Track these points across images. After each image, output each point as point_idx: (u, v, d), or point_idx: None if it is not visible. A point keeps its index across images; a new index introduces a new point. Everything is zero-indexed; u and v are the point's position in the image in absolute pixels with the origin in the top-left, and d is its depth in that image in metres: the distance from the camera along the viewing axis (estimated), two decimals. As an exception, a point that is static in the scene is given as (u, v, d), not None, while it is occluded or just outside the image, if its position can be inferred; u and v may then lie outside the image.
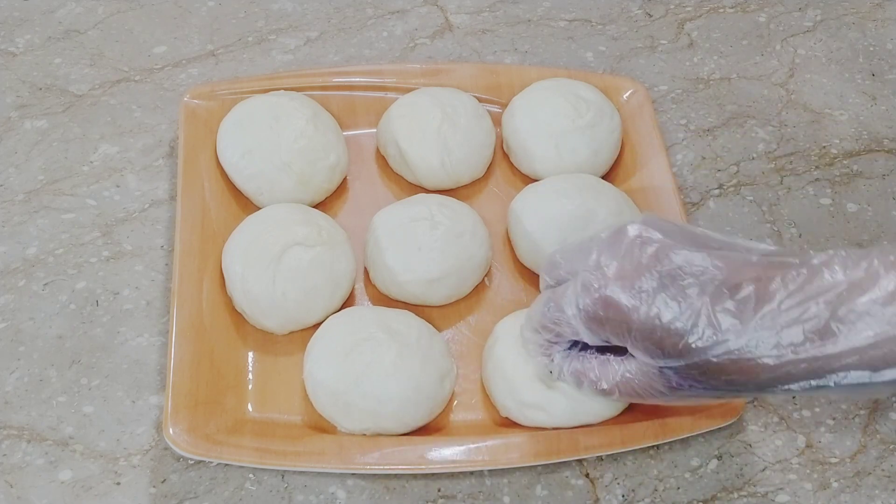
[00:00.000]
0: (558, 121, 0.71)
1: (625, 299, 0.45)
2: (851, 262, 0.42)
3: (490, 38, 0.86)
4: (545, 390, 0.58)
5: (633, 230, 0.46)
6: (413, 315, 0.62)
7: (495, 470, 0.59)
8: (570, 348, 0.52)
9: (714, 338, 0.43)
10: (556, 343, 0.52)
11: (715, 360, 0.43)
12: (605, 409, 0.60)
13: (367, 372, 0.58)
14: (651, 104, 0.76)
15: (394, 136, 0.71)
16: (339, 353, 0.59)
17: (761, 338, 0.42)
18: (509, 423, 0.61)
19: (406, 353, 0.59)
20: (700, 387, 0.45)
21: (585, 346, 0.51)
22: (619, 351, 0.49)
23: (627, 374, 0.48)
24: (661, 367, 0.46)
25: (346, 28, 0.86)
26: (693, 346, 0.43)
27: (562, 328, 0.49)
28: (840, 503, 0.59)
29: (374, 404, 0.58)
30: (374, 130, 0.75)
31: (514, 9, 0.89)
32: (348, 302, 0.66)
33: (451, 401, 0.62)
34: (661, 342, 0.44)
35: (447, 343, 0.63)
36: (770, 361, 0.42)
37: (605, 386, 0.50)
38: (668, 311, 0.43)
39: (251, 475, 0.58)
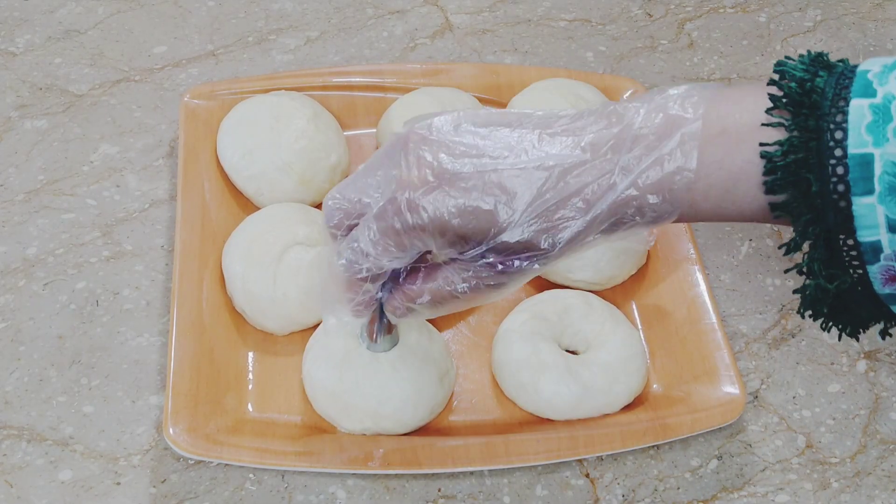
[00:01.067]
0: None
1: (425, 201, 0.43)
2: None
3: (490, 38, 0.86)
4: (550, 380, 0.59)
5: (410, 136, 0.44)
6: None
7: (495, 470, 0.59)
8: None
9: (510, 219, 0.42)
10: (367, 302, 0.50)
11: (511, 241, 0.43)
12: (607, 403, 0.60)
13: (366, 372, 0.58)
14: (651, 104, 0.76)
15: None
16: (338, 354, 0.59)
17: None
18: (509, 424, 0.61)
19: (406, 353, 0.59)
20: (494, 270, 0.44)
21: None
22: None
23: (431, 282, 0.47)
24: (460, 259, 0.45)
25: (346, 28, 0.86)
26: (498, 229, 0.43)
27: (368, 262, 0.46)
28: (840, 503, 0.59)
29: (373, 404, 0.58)
30: (374, 130, 0.75)
31: (514, 9, 0.89)
32: (348, 302, 0.66)
33: (450, 401, 0.62)
34: (466, 234, 0.43)
35: (447, 343, 0.63)
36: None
37: (419, 298, 0.48)
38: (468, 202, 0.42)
39: (251, 475, 0.58)
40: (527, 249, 0.43)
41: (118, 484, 0.57)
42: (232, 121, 0.70)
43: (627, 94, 0.77)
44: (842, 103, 0.38)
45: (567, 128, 0.43)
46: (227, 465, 0.58)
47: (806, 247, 0.41)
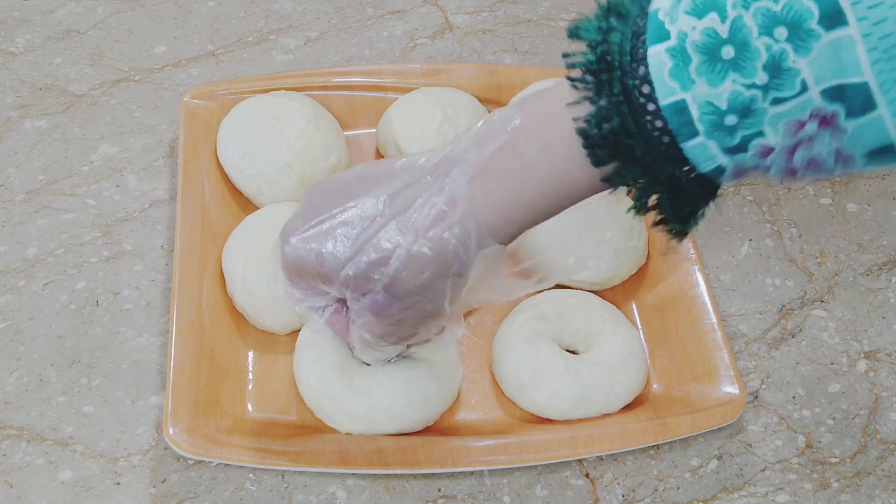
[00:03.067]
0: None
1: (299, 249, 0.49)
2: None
3: (490, 38, 0.86)
4: (550, 380, 0.59)
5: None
6: None
7: (495, 470, 0.59)
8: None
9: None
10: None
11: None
12: (607, 403, 0.60)
13: (363, 373, 0.58)
14: (651, 104, 0.76)
15: (394, 136, 0.71)
16: (335, 357, 0.59)
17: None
18: (509, 424, 0.61)
19: (409, 357, 0.59)
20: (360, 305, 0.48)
21: None
22: None
23: (353, 324, 0.51)
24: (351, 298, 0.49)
25: (346, 28, 0.86)
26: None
27: (299, 302, 0.52)
28: (840, 503, 0.59)
29: (374, 407, 0.58)
30: (374, 130, 0.75)
31: (514, 9, 0.89)
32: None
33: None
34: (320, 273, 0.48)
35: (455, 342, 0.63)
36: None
37: (358, 340, 0.52)
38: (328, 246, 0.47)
39: (251, 475, 0.58)
40: (369, 285, 0.47)
41: (118, 484, 0.57)
42: (232, 121, 0.70)
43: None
44: (640, 53, 0.37)
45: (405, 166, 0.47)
46: (227, 465, 0.58)
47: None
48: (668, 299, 0.67)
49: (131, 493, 0.57)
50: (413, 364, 0.59)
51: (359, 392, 0.58)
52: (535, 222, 0.45)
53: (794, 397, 0.64)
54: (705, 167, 0.38)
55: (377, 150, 0.75)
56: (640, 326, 0.67)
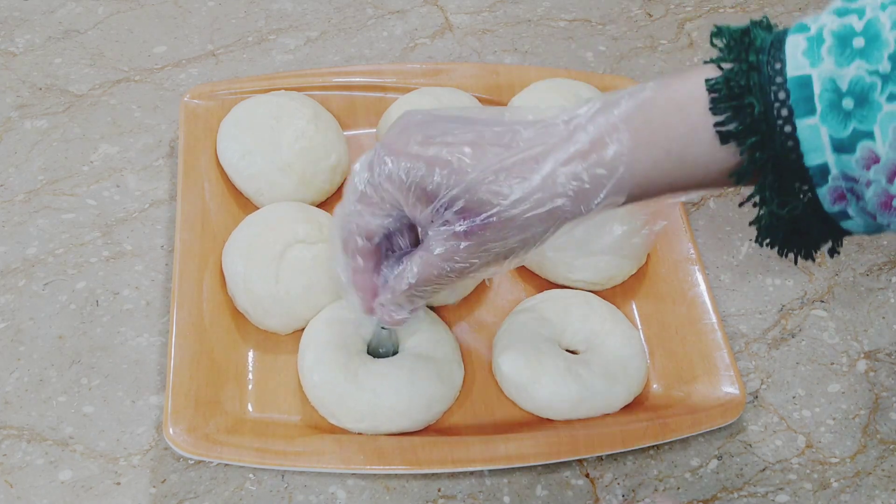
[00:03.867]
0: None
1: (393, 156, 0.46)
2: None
3: (490, 38, 0.86)
4: (550, 380, 0.59)
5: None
6: (427, 310, 0.63)
7: (495, 470, 0.59)
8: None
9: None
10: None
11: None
12: (607, 403, 0.60)
13: (367, 371, 0.58)
14: (651, 104, 0.76)
15: (394, 136, 0.71)
16: (339, 355, 0.59)
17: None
18: (509, 424, 0.61)
19: (409, 353, 0.59)
20: (462, 236, 0.46)
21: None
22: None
23: (421, 257, 0.48)
24: (430, 229, 0.47)
25: (346, 28, 0.86)
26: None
27: (357, 220, 0.50)
28: (840, 503, 0.59)
29: (376, 405, 0.58)
30: (374, 130, 0.75)
31: (514, 9, 0.89)
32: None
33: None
34: (426, 187, 0.45)
35: (457, 343, 0.63)
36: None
37: (412, 277, 0.49)
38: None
39: (251, 475, 0.58)
40: (482, 208, 0.44)
41: (118, 484, 0.57)
42: (232, 121, 0.70)
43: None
44: (779, 44, 0.40)
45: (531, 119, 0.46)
46: (227, 465, 0.58)
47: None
48: (668, 299, 0.67)
49: (131, 493, 0.57)
50: (417, 363, 0.59)
51: (363, 390, 0.58)
52: (664, 188, 0.44)
53: (794, 397, 0.64)
54: (811, 159, 0.39)
55: (377, 150, 0.75)
56: (640, 326, 0.67)
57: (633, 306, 0.68)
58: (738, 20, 0.89)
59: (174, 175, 0.73)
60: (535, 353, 0.61)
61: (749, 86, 0.40)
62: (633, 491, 0.59)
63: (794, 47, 0.39)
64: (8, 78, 0.79)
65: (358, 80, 0.76)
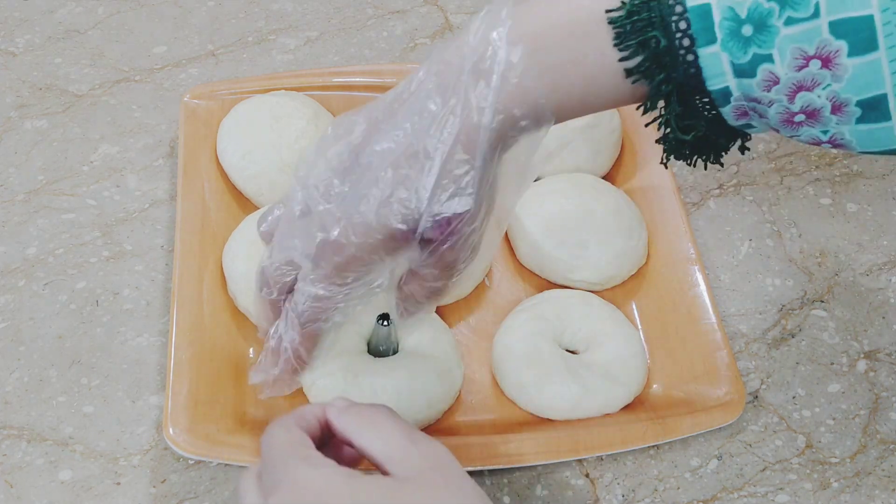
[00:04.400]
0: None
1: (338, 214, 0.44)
2: None
3: (490, 38, 0.86)
4: (550, 380, 0.59)
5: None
6: None
7: (495, 470, 0.59)
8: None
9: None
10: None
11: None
12: (607, 403, 0.60)
13: (367, 370, 0.58)
14: (651, 104, 0.76)
15: (394, 136, 0.71)
16: (339, 356, 0.59)
17: None
18: (509, 424, 0.61)
19: (408, 353, 0.59)
20: (440, 253, 0.44)
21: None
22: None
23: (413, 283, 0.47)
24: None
25: (346, 28, 0.86)
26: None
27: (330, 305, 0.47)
28: (840, 503, 0.59)
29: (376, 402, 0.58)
30: (374, 130, 0.75)
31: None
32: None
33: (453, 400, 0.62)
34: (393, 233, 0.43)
35: (455, 342, 0.63)
36: None
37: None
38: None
39: (251, 475, 0.58)
40: (454, 218, 0.43)
41: (118, 484, 0.57)
42: (232, 121, 0.70)
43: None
44: None
45: (404, 97, 0.44)
46: (227, 465, 0.58)
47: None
48: (668, 299, 0.67)
49: (131, 493, 0.57)
50: (417, 363, 0.59)
51: (363, 389, 0.58)
52: (567, 112, 0.43)
53: (794, 397, 0.64)
54: (714, 84, 0.40)
55: (377, 150, 0.75)
56: (640, 326, 0.67)
57: (633, 306, 0.68)
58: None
59: (174, 175, 0.73)
60: (535, 353, 0.61)
61: (650, 19, 0.40)
62: (633, 491, 0.59)
63: None
64: (8, 78, 0.79)
65: (358, 80, 0.76)
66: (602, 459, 0.60)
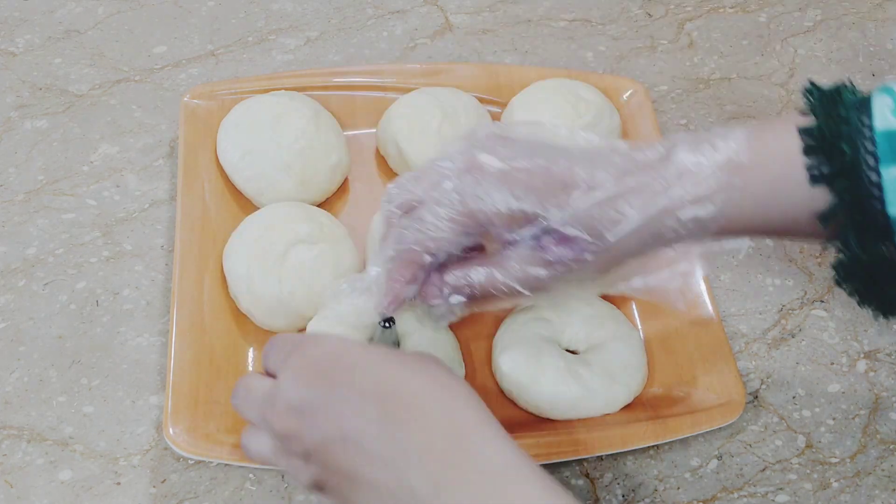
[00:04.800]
0: (558, 121, 0.71)
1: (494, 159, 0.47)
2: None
3: (490, 38, 0.86)
4: (550, 380, 0.59)
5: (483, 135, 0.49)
6: None
7: (495, 470, 0.59)
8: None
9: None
10: (411, 283, 0.51)
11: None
12: (607, 403, 0.60)
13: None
14: (651, 104, 0.76)
15: (394, 136, 0.71)
16: None
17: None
18: (509, 424, 0.61)
19: (413, 350, 0.59)
20: (542, 260, 0.47)
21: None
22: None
23: (489, 270, 0.49)
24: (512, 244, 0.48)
25: (346, 28, 0.86)
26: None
27: (428, 244, 0.48)
28: (840, 503, 0.59)
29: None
30: (374, 130, 0.75)
31: (514, 9, 0.89)
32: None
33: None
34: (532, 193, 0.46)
35: (456, 341, 0.63)
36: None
37: (461, 290, 0.50)
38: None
39: (251, 475, 0.58)
40: (577, 239, 0.46)
41: (118, 484, 0.57)
42: (232, 121, 0.70)
43: (627, 95, 0.76)
44: (866, 102, 0.44)
45: (624, 150, 0.48)
46: (227, 465, 0.58)
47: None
48: (668, 299, 0.67)
49: (131, 493, 0.57)
50: None
51: None
52: (748, 229, 0.47)
53: (794, 397, 0.64)
54: (894, 209, 0.42)
55: (377, 150, 0.75)
56: (640, 326, 0.67)
57: (633, 306, 0.68)
58: (738, 20, 0.89)
59: (174, 175, 0.73)
60: (535, 353, 0.61)
61: (840, 134, 0.43)
62: (633, 491, 0.59)
63: (882, 106, 0.43)
64: (8, 78, 0.79)
65: (358, 80, 0.76)
66: (602, 459, 0.60)
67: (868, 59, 0.86)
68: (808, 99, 0.46)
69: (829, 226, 0.44)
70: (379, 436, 0.42)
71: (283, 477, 0.58)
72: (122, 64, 0.81)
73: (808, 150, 0.44)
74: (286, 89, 0.73)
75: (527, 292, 0.48)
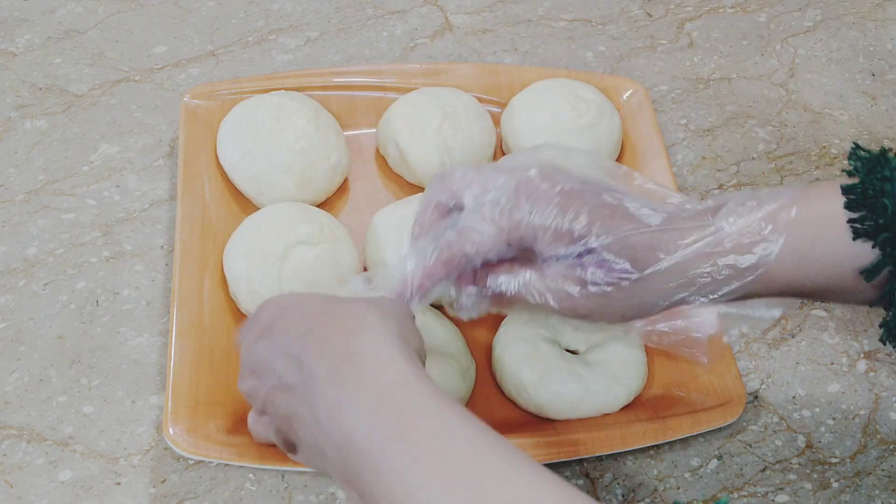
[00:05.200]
0: (558, 121, 0.71)
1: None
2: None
3: (490, 38, 0.86)
4: (550, 380, 0.59)
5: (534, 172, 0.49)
6: (434, 310, 0.63)
7: (495, 470, 0.59)
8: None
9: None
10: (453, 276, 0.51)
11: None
12: (607, 403, 0.60)
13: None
14: (651, 104, 0.76)
15: (394, 136, 0.71)
16: None
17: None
18: (509, 424, 0.61)
19: (430, 350, 0.59)
20: (579, 280, 0.48)
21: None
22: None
23: (527, 280, 0.49)
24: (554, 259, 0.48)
25: (346, 28, 0.86)
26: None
27: (468, 248, 0.49)
28: (840, 503, 0.59)
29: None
30: (374, 130, 0.75)
31: (514, 9, 0.89)
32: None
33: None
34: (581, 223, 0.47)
35: (464, 340, 0.63)
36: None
37: (508, 291, 0.50)
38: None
39: (251, 475, 0.58)
40: (615, 265, 0.47)
41: (118, 484, 0.57)
42: (232, 121, 0.70)
43: (627, 95, 0.76)
44: None
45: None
46: (227, 465, 0.58)
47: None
48: (668, 299, 0.67)
49: (131, 493, 0.57)
50: (442, 364, 0.59)
51: None
52: (791, 287, 0.48)
53: (794, 397, 0.64)
54: None
55: (377, 150, 0.75)
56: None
57: (633, 306, 0.68)
58: (737, 20, 0.89)
59: (174, 175, 0.73)
60: (535, 353, 0.61)
61: (884, 191, 0.45)
62: (633, 491, 0.59)
63: None
64: (8, 78, 0.79)
65: (358, 80, 0.76)
66: (602, 459, 0.60)
67: (868, 59, 0.86)
68: (852, 160, 0.48)
69: (873, 282, 0.45)
70: (297, 372, 0.44)
71: (283, 477, 0.58)
72: (122, 64, 0.81)
73: (850, 205, 0.45)
74: (286, 89, 0.73)
75: (554, 304, 0.49)
